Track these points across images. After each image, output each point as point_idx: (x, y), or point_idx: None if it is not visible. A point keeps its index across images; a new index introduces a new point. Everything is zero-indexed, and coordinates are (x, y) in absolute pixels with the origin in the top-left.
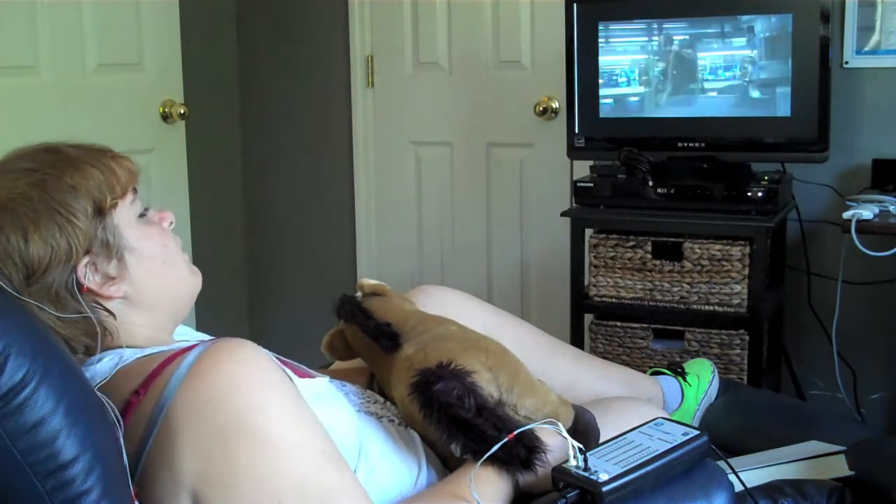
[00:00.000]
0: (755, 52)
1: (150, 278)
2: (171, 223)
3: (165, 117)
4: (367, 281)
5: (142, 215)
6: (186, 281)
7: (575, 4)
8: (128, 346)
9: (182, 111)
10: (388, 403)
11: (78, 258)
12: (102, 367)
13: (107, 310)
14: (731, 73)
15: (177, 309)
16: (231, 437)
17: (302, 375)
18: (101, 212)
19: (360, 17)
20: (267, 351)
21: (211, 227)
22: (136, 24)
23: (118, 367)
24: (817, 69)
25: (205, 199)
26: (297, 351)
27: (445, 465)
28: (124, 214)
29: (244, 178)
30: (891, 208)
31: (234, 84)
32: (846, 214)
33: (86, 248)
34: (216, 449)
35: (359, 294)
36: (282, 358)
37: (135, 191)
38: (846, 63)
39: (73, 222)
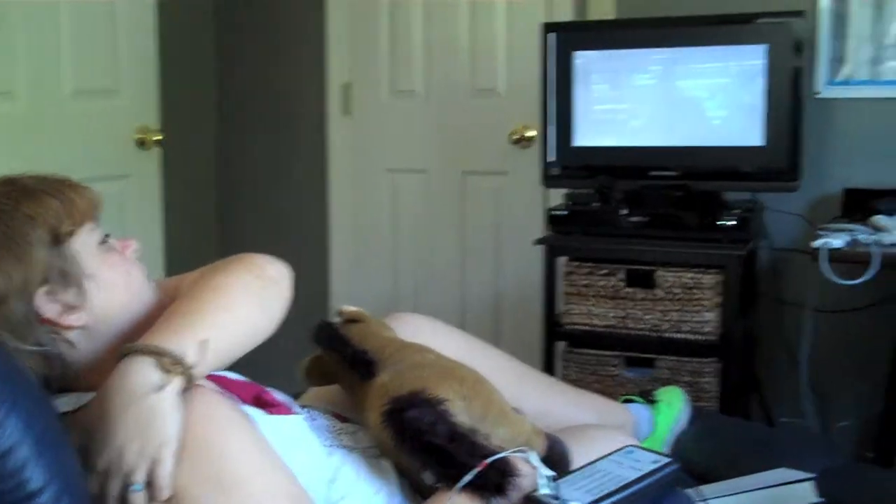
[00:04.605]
0: (729, 81)
1: (111, 306)
2: (136, 251)
3: (141, 143)
4: (347, 307)
5: (103, 242)
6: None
7: (550, 34)
8: (87, 388)
9: (158, 137)
10: (360, 433)
11: (35, 288)
12: (61, 405)
13: (66, 340)
14: (705, 102)
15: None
16: (197, 483)
17: (276, 411)
18: (58, 240)
19: (338, 45)
20: (229, 394)
21: (185, 254)
22: (112, 50)
23: (77, 408)
24: (790, 99)
25: (179, 226)
26: (272, 377)
27: (419, 493)
28: (84, 242)
29: (219, 205)
30: (860, 237)
31: (211, 111)
32: (816, 243)
33: (43, 278)
34: (182, 495)
35: (337, 320)
36: (264, 388)
37: (96, 219)
38: (818, 93)
39: (29, 252)
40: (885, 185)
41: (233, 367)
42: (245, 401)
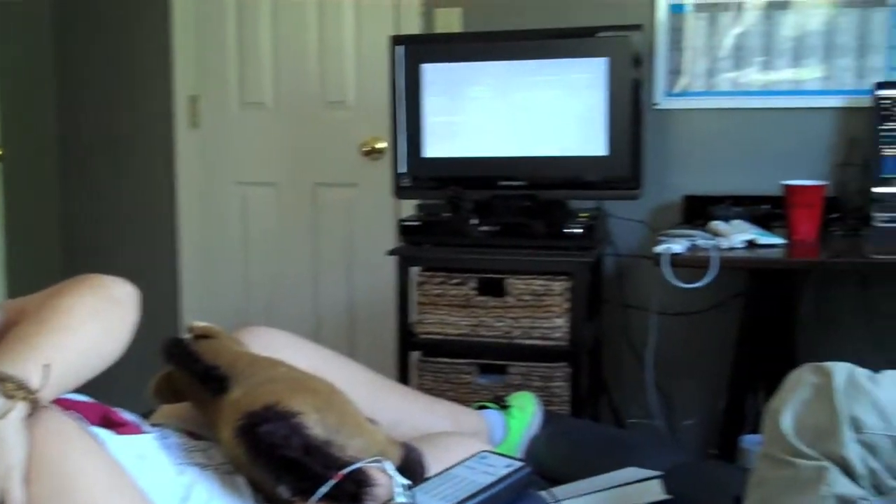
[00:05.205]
0: (572, 93)
1: None
2: None
3: None
4: (197, 323)
5: None
6: None
7: (398, 46)
8: None
9: None
10: (213, 450)
11: None
12: None
13: None
14: (549, 114)
15: None
16: None
17: (125, 431)
18: None
19: (184, 57)
20: (76, 416)
21: (27, 273)
22: None
23: None
24: (630, 110)
25: (21, 244)
26: (122, 396)
27: None
28: None
29: (63, 221)
30: (700, 242)
31: (52, 125)
32: (658, 249)
33: None
34: None
35: (188, 336)
36: (111, 408)
37: None
38: (657, 105)
39: None
40: (722, 192)
41: (81, 387)
42: (92, 422)
